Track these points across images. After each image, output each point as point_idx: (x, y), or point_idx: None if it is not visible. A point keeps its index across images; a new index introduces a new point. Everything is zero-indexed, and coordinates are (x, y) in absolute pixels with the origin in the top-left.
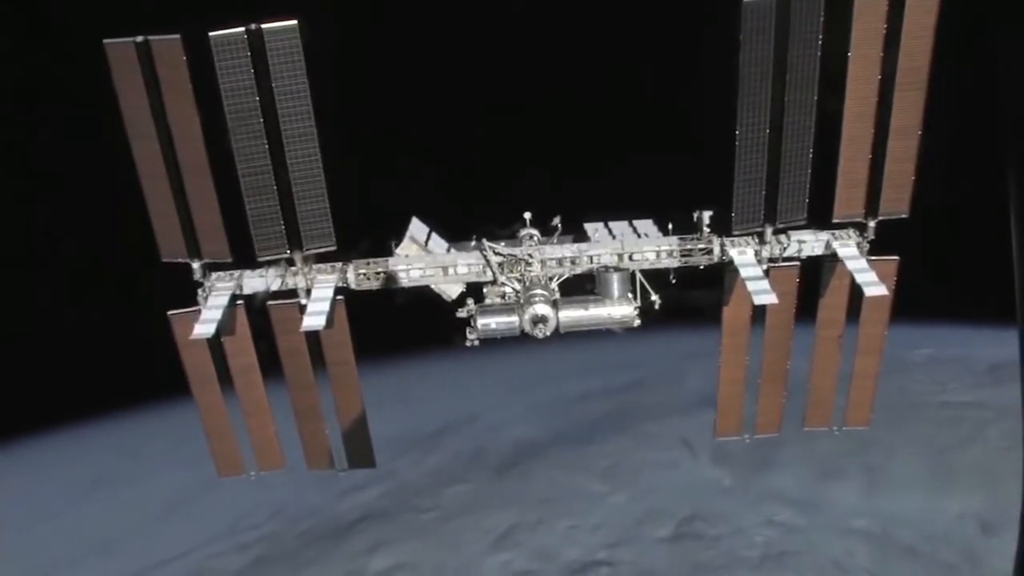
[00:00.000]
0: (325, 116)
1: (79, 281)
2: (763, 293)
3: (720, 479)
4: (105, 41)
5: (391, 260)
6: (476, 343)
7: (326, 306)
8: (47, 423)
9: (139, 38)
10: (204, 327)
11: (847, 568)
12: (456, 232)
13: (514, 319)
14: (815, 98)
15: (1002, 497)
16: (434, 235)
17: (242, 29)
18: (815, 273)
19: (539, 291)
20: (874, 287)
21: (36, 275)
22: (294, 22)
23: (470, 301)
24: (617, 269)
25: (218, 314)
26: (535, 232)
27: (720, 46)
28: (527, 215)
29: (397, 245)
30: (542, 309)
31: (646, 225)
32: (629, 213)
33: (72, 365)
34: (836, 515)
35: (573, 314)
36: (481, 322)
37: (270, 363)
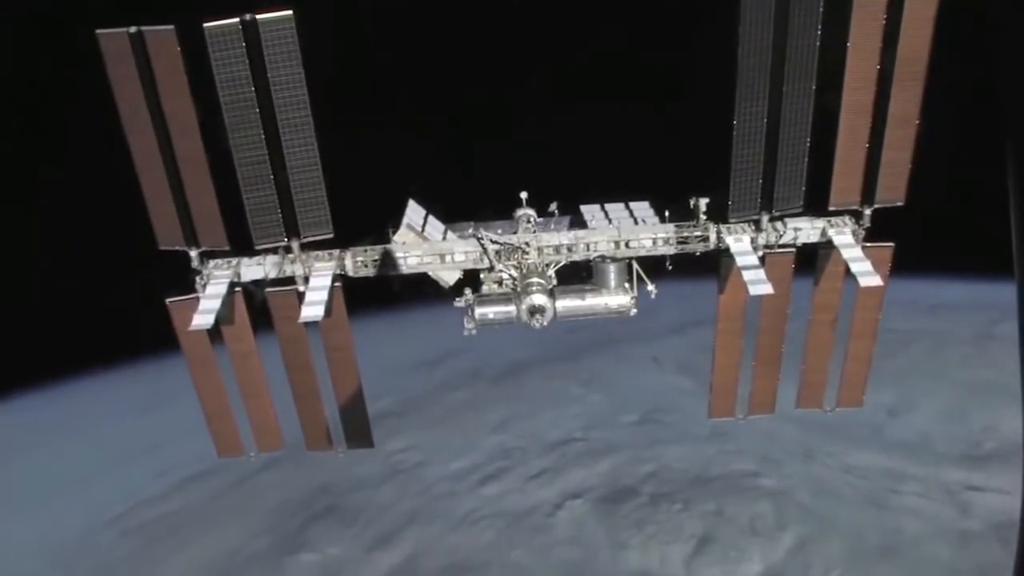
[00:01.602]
0: (321, 104)
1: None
2: (759, 283)
3: (682, 384)
4: (98, 31)
5: (389, 247)
6: (473, 332)
7: (324, 295)
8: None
9: (132, 29)
10: (203, 317)
11: (775, 437)
12: (453, 206)
13: (511, 309)
14: (813, 88)
15: (908, 392)
16: (431, 218)
17: (237, 20)
18: (811, 257)
19: (536, 279)
20: (868, 277)
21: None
22: (289, 12)
23: (468, 291)
24: (614, 260)
25: (216, 303)
26: (531, 212)
27: (720, 36)
28: (523, 195)
29: (394, 231)
30: (539, 299)
31: (642, 207)
32: (626, 195)
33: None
34: None
35: (570, 304)
36: (479, 312)
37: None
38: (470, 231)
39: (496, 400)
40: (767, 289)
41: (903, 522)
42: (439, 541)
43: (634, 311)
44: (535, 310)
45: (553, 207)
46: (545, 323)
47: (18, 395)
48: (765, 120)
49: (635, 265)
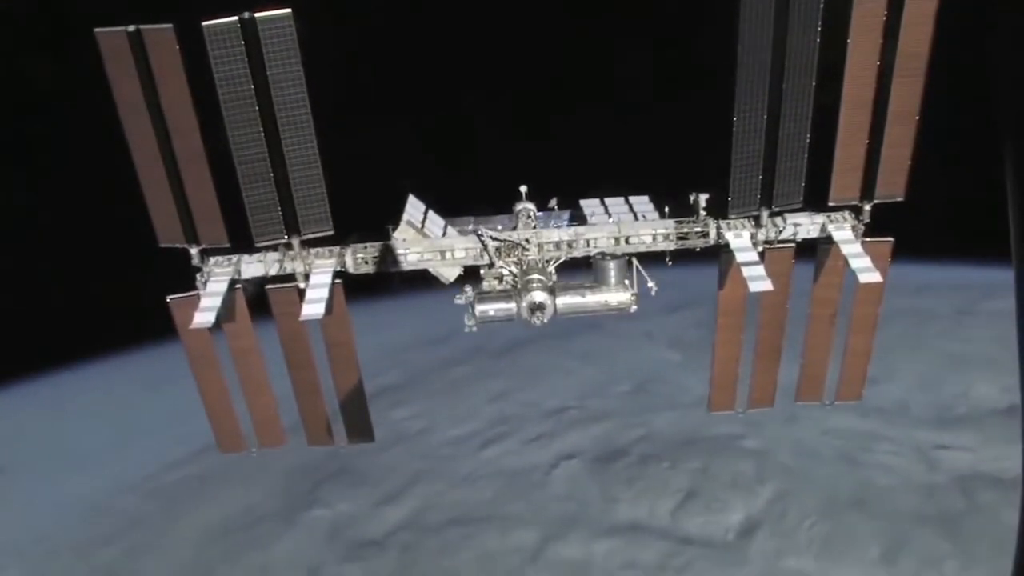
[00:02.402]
0: (321, 101)
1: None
2: (758, 280)
3: (673, 358)
4: (96, 30)
5: (389, 244)
6: (474, 329)
7: (324, 292)
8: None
9: (131, 27)
10: (204, 316)
11: None
12: (453, 201)
13: (512, 306)
14: (813, 84)
15: (889, 363)
16: (431, 213)
17: (235, 18)
18: (811, 250)
19: (536, 276)
20: (868, 273)
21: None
22: (288, 11)
23: (468, 288)
24: (614, 257)
25: (217, 301)
26: (531, 206)
27: (719, 33)
28: (523, 188)
29: (394, 228)
30: (539, 297)
31: (642, 202)
32: (625, 189)
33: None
34: None
35: (570, 301)
36: (479, 309)
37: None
38: (470, 227)
39: (496, 374)
40: (767, 286)
41: (874, 476)
42: (442, 497)
43: (634, 308)
44: (535, 307)
45: (553, 203)
46: (545, 320)
47: (46, 375)
48: (765, 116)
49: (635, 262)
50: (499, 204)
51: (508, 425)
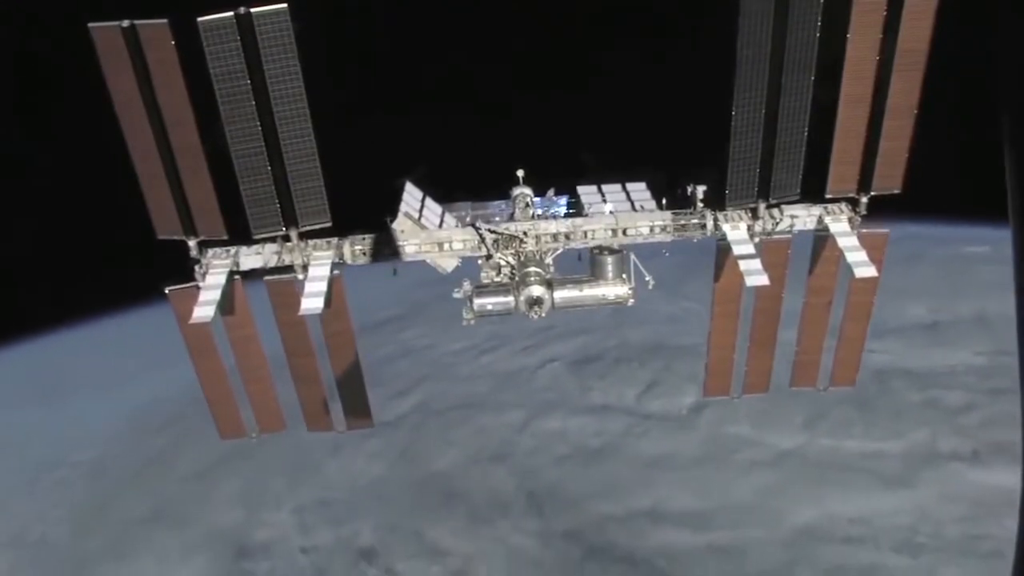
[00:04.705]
0: (318, 95)
1: None
2: (755, 274)
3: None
4: (90, 25)
5: (386, 235)
6: (472, 323)
7: (323, 286)
8: None
9: (125, 22)
10: (204, 310)
11: None
12: (451, 187)
13: (509, 299)
14: (812, 79)
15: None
16: (428, 200)
17: (231, 14)
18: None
19: (533, 268)
20: (863, 267)
21: None
22: (284, 5)
23: (466, 282)
24: (612, 251)
25: (217, 294)
26: (528, 191)
27: (720, 28)
28: (520, 172)
29: (392, 219)
30: (537, 291)
31: (639, 188)
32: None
33: None
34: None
35: (568, 294)
36: (477, 303)
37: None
38: (467, 213)
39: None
40: (763, 280)
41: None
42: (445, 391)
43: (632, 301)
44: (533, 302)
45: (550, 193)
46: (543, 314)
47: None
48: (763, 110)
49: (632, 256)
50: (497, 188)
51: (500, 340)
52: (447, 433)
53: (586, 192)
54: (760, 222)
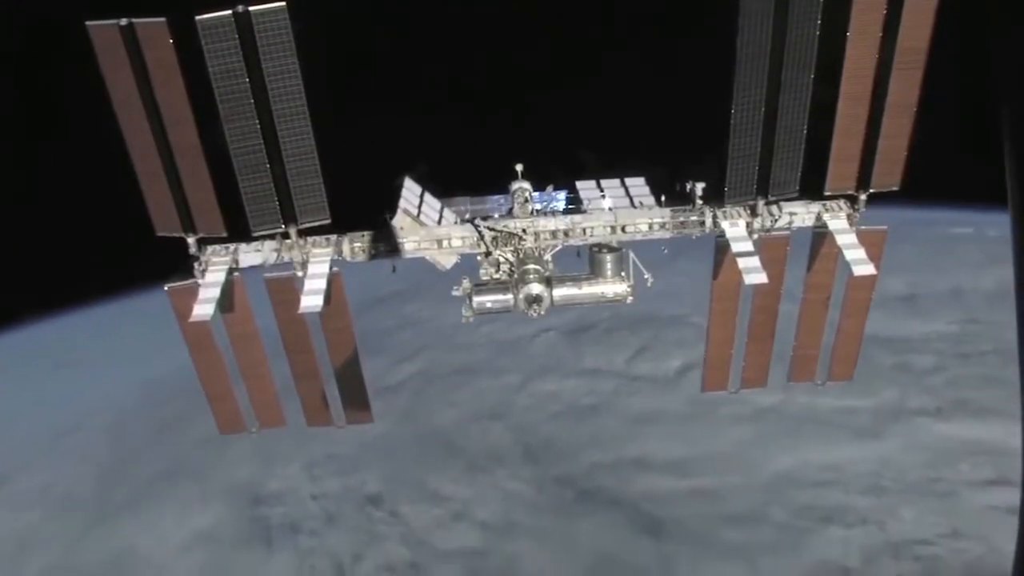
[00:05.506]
0: (317, 92)
1: None
2: (754, 272)
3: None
4: (88, 23)
5: (385, 232)
6: (471, 320)
7: (323, 284)
8: None
9: (123, 21)
10: (203, 308)
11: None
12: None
13: (509, 297)
14: (811, 77)
15: None
16: (427, 195)
17: (229, 12)
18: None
19: (533, 266)
20: (862, 266)
21: None
22: (282, 4)
23: (465, 279)
24: (611, 249)
25: (216, 292)
26: (527, 185)
27: (720, 27)
28: (519, 167)
29: (391, 216)
30: (536, 289)
31: (638, 184)
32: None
33: None
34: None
35: (567, 292)
36: (476, 301)
37: None
38: (466, 208)
39: None
40: (762, 279)
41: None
42: (446, 358)
43: (631, 299)
44: (532, 300)
45: (549, 189)
46: (542, 312)
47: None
48: (763, 108)
49: (631, 254)
50: (496, 186)
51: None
52: (448, 395)
53: (585, 188)
54: (759, 219)
